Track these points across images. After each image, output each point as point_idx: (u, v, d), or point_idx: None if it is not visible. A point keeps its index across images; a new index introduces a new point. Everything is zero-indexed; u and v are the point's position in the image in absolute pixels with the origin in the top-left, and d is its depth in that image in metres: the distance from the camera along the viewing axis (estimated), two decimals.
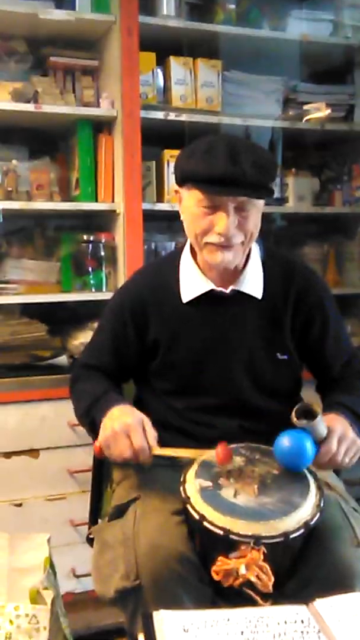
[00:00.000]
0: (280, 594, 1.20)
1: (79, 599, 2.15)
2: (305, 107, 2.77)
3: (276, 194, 2.69)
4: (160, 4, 2.46)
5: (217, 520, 1.23)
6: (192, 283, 1.56)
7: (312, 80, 2.83)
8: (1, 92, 2.32)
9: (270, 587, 1.17)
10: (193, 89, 2.55)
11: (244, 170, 1.39)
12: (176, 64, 2.53)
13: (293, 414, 1.33)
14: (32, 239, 2.53)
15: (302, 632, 0.93)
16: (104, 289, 2.44)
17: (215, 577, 1.19)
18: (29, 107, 2.31)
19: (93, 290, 2.43)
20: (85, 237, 2.47)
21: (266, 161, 1.45)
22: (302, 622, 0.95)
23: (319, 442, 1.36)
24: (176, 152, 2.43)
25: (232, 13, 2.59)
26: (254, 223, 1.49)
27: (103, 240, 2.45)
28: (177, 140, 2.36)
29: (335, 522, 1.36)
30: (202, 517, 1.25)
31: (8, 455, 2.20)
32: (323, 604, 0.98)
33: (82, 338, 2.34)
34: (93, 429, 1.47)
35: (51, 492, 2.25)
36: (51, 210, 2.41)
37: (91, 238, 2.46)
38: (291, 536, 1.23)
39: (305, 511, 1.27)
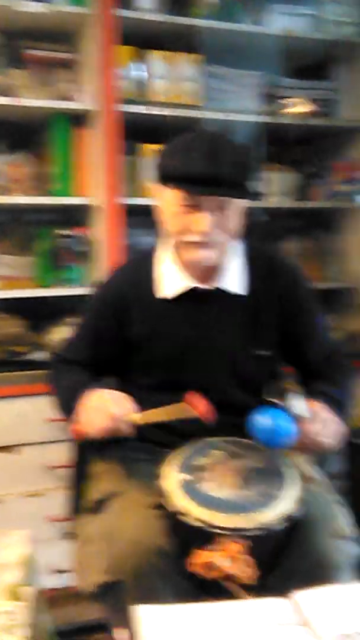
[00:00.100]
0: (262, 587, 1.20)
1: (59, 594, 2.14)
2: (287, 102, 2.78)
3: (258, 189, 2.69)
4: None
5: (197, 513, 1.23)
6: (173, 280, 1.56)
7: (293, 75, 2.83)
8: None
9: (253, 580, 1.17)
10: (173, 83, 2.54)
11: (224, 170, 1.40)
12: (156, 58, 2.52)
13: (267, 393, 1.33)
14: (9, 234, 2.50)
15: (283, 624, 0.92)
16: (80, 284, 2.42)
17: (196, 570, 1.18)
18: (6, 100, 2.28)
19: (71, 285, 2.41)
20: (63, 231, 2.45)
21: (246, 159, 1.46)
22: (284, 614, 0.94)
23: (299, 423, 1.35)
24: (156, 147, 2.44)
25: (213, 7, 2.58)
26: (234, 221, 1.49)
27: (81, 235, 2.43)
28: (157, 135, 2.35)
29: (316, 515, 1.35)
30: (183, 511, 1.24)
31: None
32: (304, 597, 0.97)
33: (60, 333, 2.32)
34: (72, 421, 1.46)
35: (29, 488, 2.23)
36: (28, 204, 2.39)
37: (69, 232, 2.44)
38: (272, 528, 1.23)
39: (287, 504, 1.27)
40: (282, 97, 2.77)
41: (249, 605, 0.98)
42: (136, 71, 2.50)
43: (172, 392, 1.54)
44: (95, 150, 2.37)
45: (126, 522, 1.33)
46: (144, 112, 2.45)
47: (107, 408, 1.35)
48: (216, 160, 1.40)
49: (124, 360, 1.59)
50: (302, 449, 1.40)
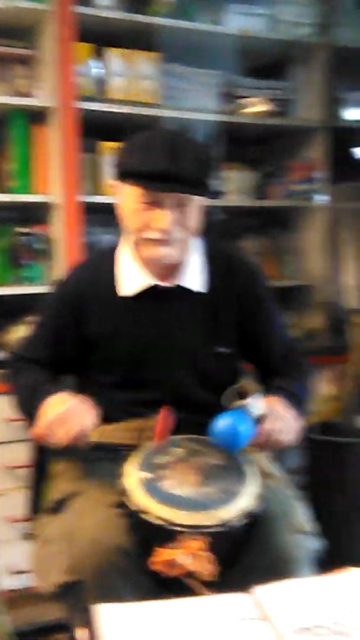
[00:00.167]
0: (222, 583, 1.21)
1: (18, 595, 2.12)
2: (244, 101, 2.80)
3: (216, 188, 2.70)
4: None
5: (158, 511, 1.23)
6: (133, 277, 1.56)
7: (250, 75, 2.85)
8: None
9: (213, 576, 1.18)
10: (131, 81, 2.54)
11: (184, 167, 1.40)
12: (114, 56, 2.51)
13: (226, 396, 1.34)
14: None
15: (244, 619, 0.93)
16: (39, 283, 2.40)
17: (157, 568, 1.19)
18: None
19: (28, 283, 2.39)
20: (22, 229, 2.42)
21: (205, 157, 1.47)
22: (244, 609, 0.95)
23: (258, 421, 1.37)
24: (114, 145, 2.43)
25: (171, 5, 2.59)
26: (194, 219, 1.50)
27: (38, 233, 2.41)
28: (115, 133, 2.34)
29: (275, 510, 1.37)
30: (143, 509, 1.24)
31: None
32: (264, 591, 0.98)
33: (20, 332, 2.29)
34: (33, 422, 1.44)
35: None
36: None
37: (27, 230, 2.42)
38: (232, 524, 1.24)
39: (246, 500, 1.28)
40: (240, 97, 2.79)
41: (209, 602, 0.98)
42: (94, 68, 2.49)
43: (133, 390, 1.55)
44: (54, 148, 2.36)
45: (86, 522, 1.32)
46: (103, 109, 2.44)
47: (68, 421, 1.33)
48: (176, 157, 1.40)
49: (84, 358, 1.59)
50: (261, 447, 1.42)
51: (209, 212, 1.58)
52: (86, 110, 2.39)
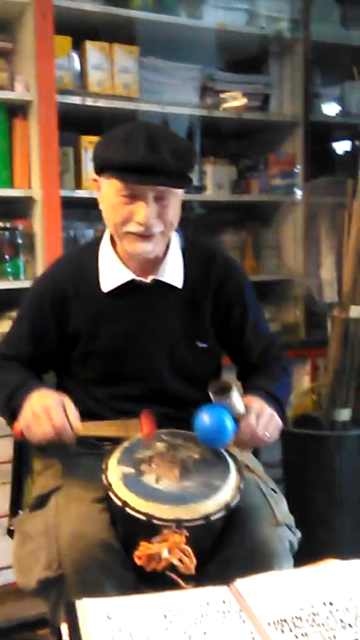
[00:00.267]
0: (202, 576, 1.22)
1: (0, 591, 2.13)
2: (223, 95, 2.80)
3: (195, 182, 2.71)
4: None
5: (139, 506, 1.24)
6: (113, 273, 1.55)
7: (229, 69, 2.86)
8: None
9: (193, 570, 1.19)
10: (110, 74, 2.53)
11: (164, 159, 1.39)
12: (93, 49, 2.51)
13: (210, 390, 1.35)
14: None
15: (223, 612, 0.94)
16: (21, 277, 2.39)
17: (138, 562, 1.20)
18: None
19: (10, 278, 2.38)
20: (1, 224, 2.41)
21: (185, 150, 1.46)
22: (224, 602, 0.96)
23: (238, 420, 1.38)
24: (94, 139, 2.43)
25: None
26: (174, 212, 1.49)
27: (20, 228, 2.40)
28: (94, 126, 2.34)
29: (254, 503, 1.39)
30: (125, 504, 1.25)
31: None
32: (243, 584, 0.99)
33: (1, 327, 2.29)
34: (14, 420, 1.44)
35: None
36: None
37: (7, 225, 2.40)
38: (212, 518, 1.25)
39: (226, 493, 1.29)
40: (218, 91, 2.79)
41: (190, 595, 0.99)
42: (73, 62, 2.48)
43: (113, 384, 1.55)
44: (34, 142, 2.34)
45: (69, 516, 1.33)
46: (83, 103, 2.43)
47: (49, 416, 1.34)
48: (155, 149, 1.39)
49: (65, 353, 1.58)
50: (243, 444, 1.42)
51: (187, 207, 1.58)
52: (66, 104, 2.38)
